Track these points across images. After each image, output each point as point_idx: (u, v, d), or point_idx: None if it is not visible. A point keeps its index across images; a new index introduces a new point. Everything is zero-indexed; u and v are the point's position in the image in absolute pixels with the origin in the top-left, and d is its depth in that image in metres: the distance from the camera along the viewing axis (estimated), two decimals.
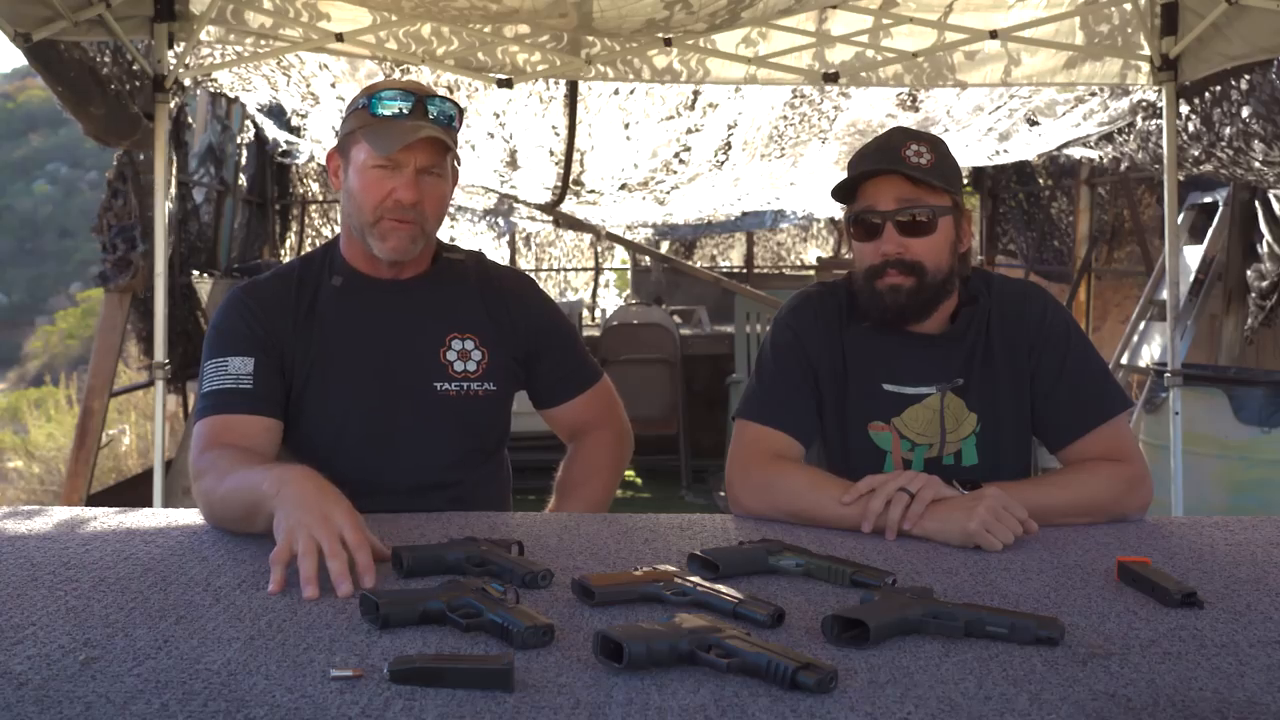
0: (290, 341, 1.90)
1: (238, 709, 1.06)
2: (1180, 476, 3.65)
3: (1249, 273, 5.57)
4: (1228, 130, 4.49)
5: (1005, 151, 6.03)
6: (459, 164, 1.97)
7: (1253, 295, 5.55)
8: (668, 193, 6.81)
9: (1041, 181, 8.51)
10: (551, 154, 5.81)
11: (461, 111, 1.92)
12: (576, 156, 5.85)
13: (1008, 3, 3.70)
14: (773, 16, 3.61)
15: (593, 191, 6.66)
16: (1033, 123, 5.35)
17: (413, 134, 1.80)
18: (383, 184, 1.84)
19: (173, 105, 4.92)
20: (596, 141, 5.61)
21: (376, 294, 1.95)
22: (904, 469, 1.87)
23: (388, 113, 1.83)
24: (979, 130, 5.56)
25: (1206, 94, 4.52)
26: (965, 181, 9.09)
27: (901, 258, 1.83)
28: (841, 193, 1.90)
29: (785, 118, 5.41)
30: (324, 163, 7.15)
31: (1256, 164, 4.61)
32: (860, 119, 5.40)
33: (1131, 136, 5.22)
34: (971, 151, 5.96)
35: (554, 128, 5.39)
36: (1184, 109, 4.65)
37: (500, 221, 8.97)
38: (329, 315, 1.93)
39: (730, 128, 5.55)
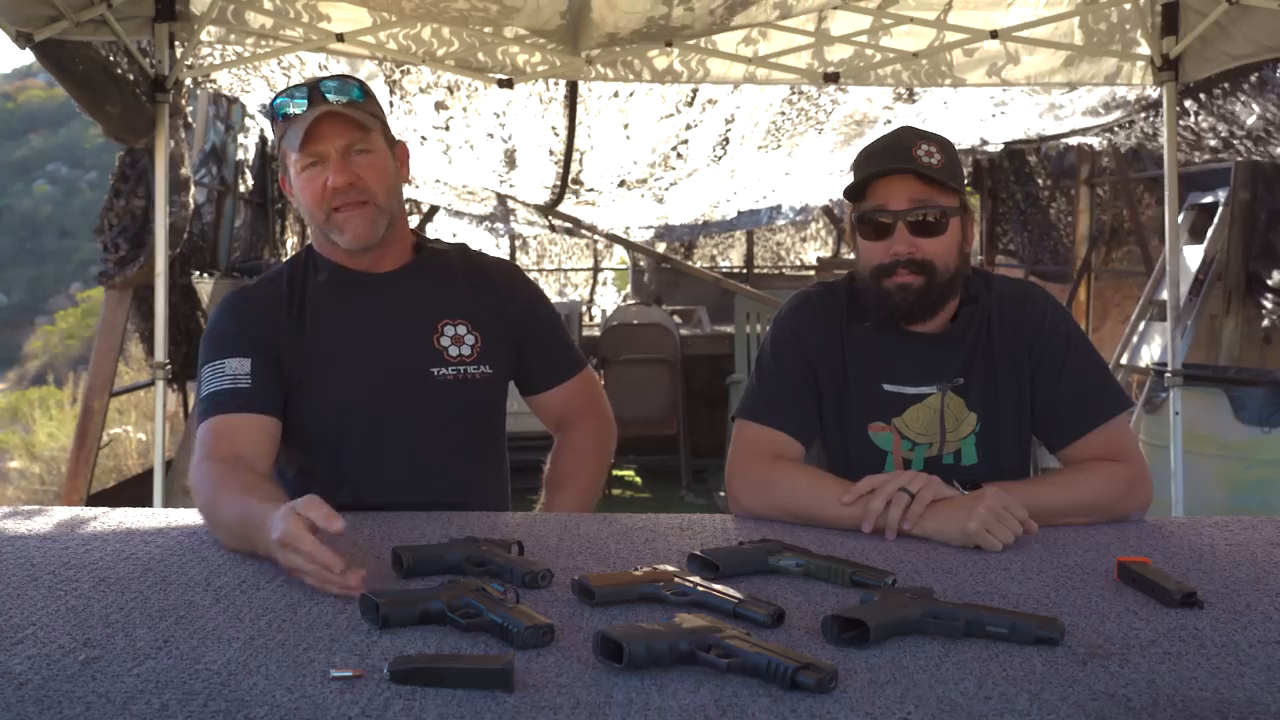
0: (285, 340, 1.91)
1: (238, 709, 1.06)
2: (1180, 476, 3.64)
3: (1276, 274, 5.56)
4: (1256, 107, 4.46)
5: (1002, 114, 5.95)
6: (386, 123, 1.94)
7: (1270, 295, 5.55)
8: (666, 189, 6.80)
9: (1041, 181, 8.50)
10: (551, 153, 5.80)
11: (364, 85, 1.92)
12: (576, 156, 5.84)
13: (1006, 2, 3.70)
14: (772, 16, 3.61)
15: (591, 190, 6.65)
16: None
17: (310, 119, 1.83)
18: (316, 180, 1.87)
19: (186, 106, 4.92)
20: (596, 141, 5.60)
21: (362, 287, 1.97)
22: (904, 469, 1.87)
23: (293, 111, 1.87)
24: (976, 116, 5.54)
25: (1216, 89, 4.51)
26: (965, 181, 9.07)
27: (913, 257, 1.83)
28: (850, 191, 1.89)
29: (783, 113, 5.41)
30: None
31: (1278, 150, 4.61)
32: (857, 110, 5.40)
33: (1133, 130, 5.20)
34: (965, 130, 5.91)
35: (554, 128, 5.39)
36: (1190, 104, 4.63)
37: (499, 227, 8.97)
38: (320, 311, 1.95)
39: (728, 122, 5.54)
